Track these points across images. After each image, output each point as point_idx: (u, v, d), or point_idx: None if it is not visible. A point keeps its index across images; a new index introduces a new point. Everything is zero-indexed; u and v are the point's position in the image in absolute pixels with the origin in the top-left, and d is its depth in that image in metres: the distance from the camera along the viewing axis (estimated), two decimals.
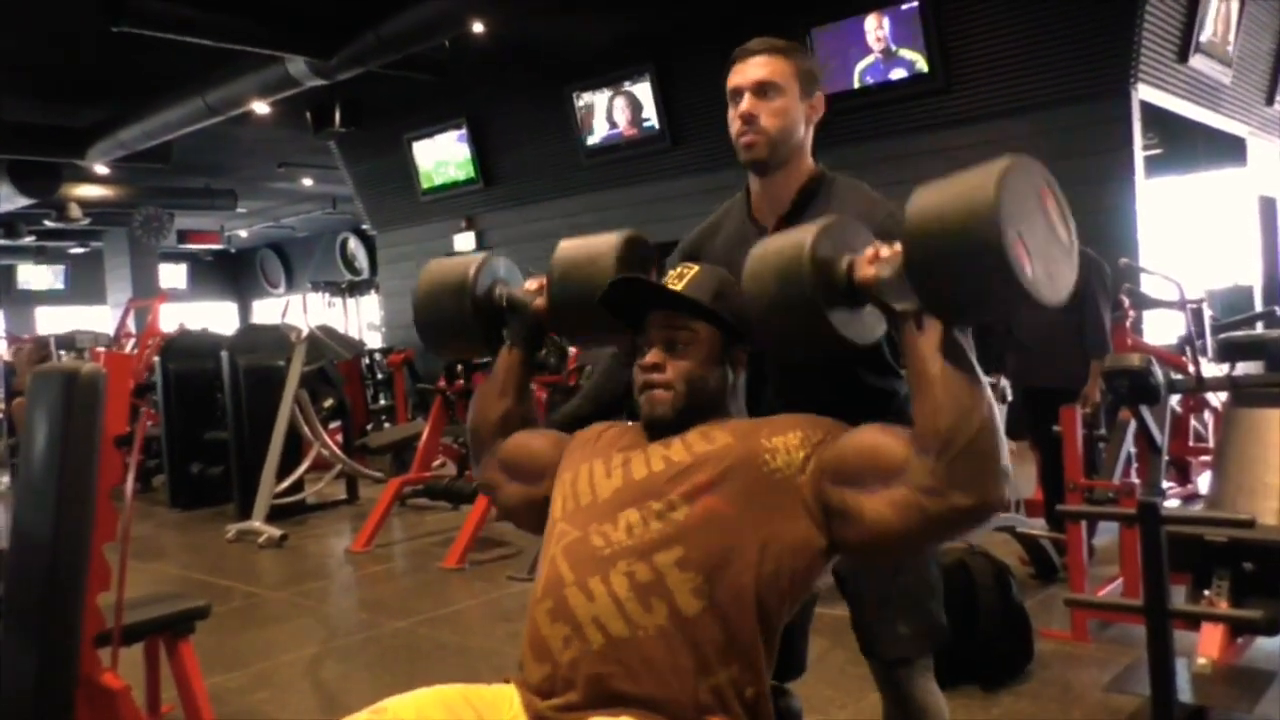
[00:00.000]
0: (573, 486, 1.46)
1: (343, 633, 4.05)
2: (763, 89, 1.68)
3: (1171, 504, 4.19)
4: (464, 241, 10.91)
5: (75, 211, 12.60)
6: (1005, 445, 1.25)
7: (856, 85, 7.64)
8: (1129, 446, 3.48)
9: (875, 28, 7.50)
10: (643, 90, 8.82)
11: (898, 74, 7.48)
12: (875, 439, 1.34)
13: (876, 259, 1.31)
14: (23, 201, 11.58)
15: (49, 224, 13.33)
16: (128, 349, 9.46)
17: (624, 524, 1.34)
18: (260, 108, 8.95)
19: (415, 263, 11.38)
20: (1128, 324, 4.20)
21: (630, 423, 1.58)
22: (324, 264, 18.43)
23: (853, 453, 1.34)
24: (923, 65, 7.32)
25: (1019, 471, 4.34)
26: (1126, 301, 4.25)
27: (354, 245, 17.37)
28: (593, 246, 1.65)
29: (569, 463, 1.52)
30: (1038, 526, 4.04)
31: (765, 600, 1.31)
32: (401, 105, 10.14)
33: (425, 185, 10.97)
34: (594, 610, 1.29)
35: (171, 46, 7.03)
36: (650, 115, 8.85)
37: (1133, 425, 3.36)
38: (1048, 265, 1.17)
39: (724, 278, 1.53)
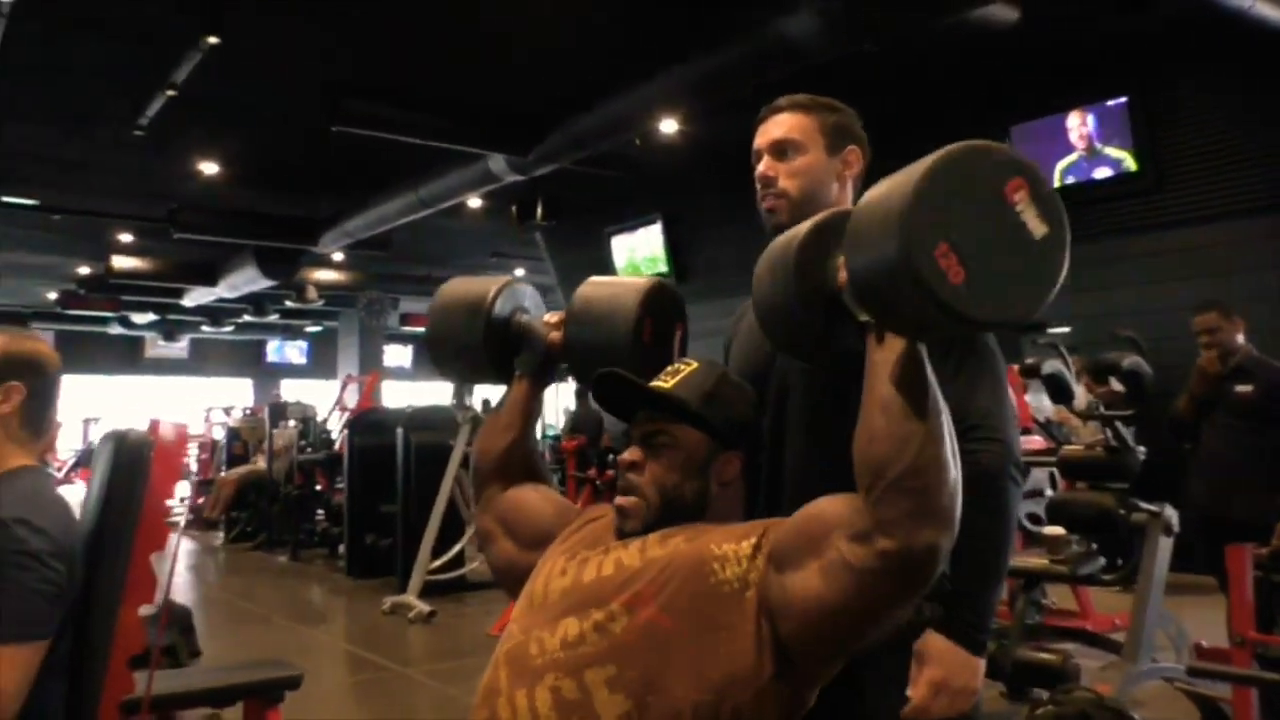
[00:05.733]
0: (532, 583, 1.37)
1: (450, 715, 4.03)
2: (781, 149, 1.58)
3: None
4: None
5: (312, 293, 13.75)
6: (952, 486, 1.06)
7: (1058, 184, 7.25)
8: None
9: (1079, 125, 7.10)
10: None
11: (1102, 173, 7.02)
12: (816, 506, 1.19)
13: None
14: (267, 283, 12.76)
15: (289, 304, 14.62)
16: (337, 422, 10.12)
17: (561, 632, 1.24)
18: (471, 201, 9.54)
19: None
20: None
21: None
22: None
23: (791, 530, 1.20)
24: (1130, 164, 6.83)
25: (1193, 615, 3.80)
26: None
27: None
28: (616, 288, 1.58)
29: (550, 550, 1.43)
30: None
31: None
32: (599, 200, 10.50)
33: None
34: None
35: (387, 145, 7.63)
36: None
37: None
38: (997, 271, 0.99)
39: (722, 378, 1.42)
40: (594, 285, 1.62)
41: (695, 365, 1.43)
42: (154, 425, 1.95)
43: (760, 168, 1.59)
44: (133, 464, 1.89)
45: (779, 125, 1.60)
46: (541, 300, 1.75)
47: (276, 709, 2.83)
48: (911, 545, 1.05)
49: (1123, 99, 6.75)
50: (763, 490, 1.49)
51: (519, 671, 1.24)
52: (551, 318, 1.65)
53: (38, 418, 1.82)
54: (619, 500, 1.38)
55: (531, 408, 1.64)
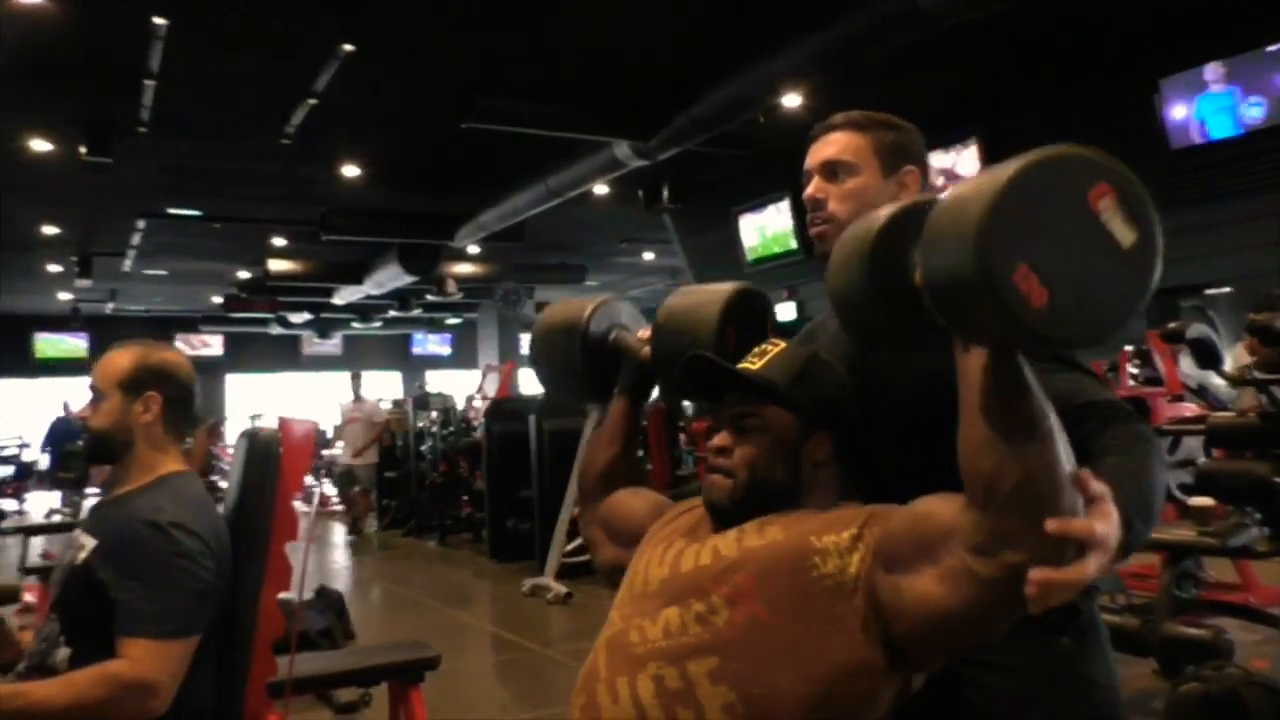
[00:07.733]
0: (633, 571, 1.40)
1: None
2: (832, 170, 1.51)
3: None
4: (786, 311, 10.95)
5: (451, 287, 14.18)
6: (1071, 485, 1.00)
7: (1213, 137, 6.79)
8: None
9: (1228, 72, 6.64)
10: (969, 155, 8.42)
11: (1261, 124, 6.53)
12: (925, 507, 1.16)
13: None
14: (409, 279, 13.25)
15: (431, 298, 15.14)
16: (475, 408, 10.43)
17: (663, 622, 1.25)
18: (598, 188, 9.66)
19: None
20: None
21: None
22: None
23: (900, 529, 1.17)
24: None
25: None
26: None
27: None
28: (699, 296, 1.57)
29: (646, 541, 1.46)
30: None
31: None
32: (726, 180, 10.44)
33: (751, 258, 11.17)
34: (617, 714, 1.21)
35: (514, 138, 7.80)
36: None
37: None
38: (1082, 288, 0.93)
39: (811, 358, 1.40)
40: (679, 295, 1.61)
41: (783, 345, 1.41)
42: (283, 423, 2.07)
43: (809, 189, 1.53)
44: (264, 460, 2.01)
45: (831, 145, 1.53)
46: (640, 315, 1.76)
47: (417, 688, 2.96)
48: (1046, 558, 0.99)
49: None
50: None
51: (620, 659, 1.26)
52: (644, 333, 1.65)
53: (179, 422, 1.96)
54: (708, 477, 1.38)
55: (632, 424, 1.66)
